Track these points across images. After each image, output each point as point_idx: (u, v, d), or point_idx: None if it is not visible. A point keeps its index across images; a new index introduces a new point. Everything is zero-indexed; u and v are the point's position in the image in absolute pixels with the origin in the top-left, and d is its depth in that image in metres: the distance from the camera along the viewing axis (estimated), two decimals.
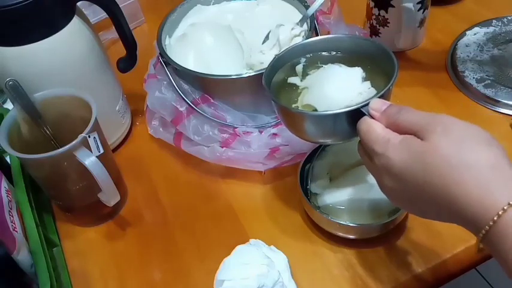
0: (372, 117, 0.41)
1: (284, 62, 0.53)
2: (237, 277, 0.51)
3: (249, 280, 0.50)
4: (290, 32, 0.62)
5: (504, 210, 0.32)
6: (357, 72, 0.49)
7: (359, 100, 0.45)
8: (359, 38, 0.55)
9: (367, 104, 0.41)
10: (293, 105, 0.50)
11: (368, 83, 0.48)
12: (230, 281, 0.51)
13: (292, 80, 0.53)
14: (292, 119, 0.49)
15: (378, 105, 0.41)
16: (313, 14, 0.67)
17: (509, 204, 0.32)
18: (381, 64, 0.48)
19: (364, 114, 0.41)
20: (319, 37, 0.57)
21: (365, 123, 0.41)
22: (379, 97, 0.42)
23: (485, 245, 0.35)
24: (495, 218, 0.33)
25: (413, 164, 0.37)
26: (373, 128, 0.40)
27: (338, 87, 0.48)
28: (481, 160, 0.34)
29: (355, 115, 0.41)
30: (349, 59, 0.51)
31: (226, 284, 0.51)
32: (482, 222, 0.33)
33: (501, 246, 0.33)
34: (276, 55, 0.53)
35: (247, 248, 0.55)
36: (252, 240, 0.56)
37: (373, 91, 0.47)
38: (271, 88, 0.51)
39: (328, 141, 0.49)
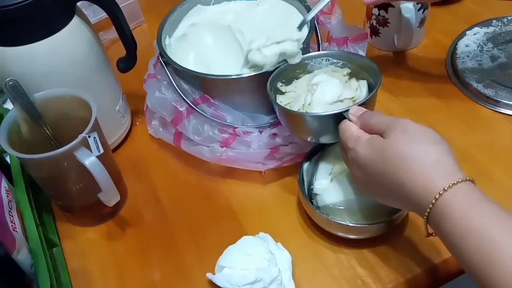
0: (350, 120, 0.50)
1: (283, 70, 0.61)
2: (237, 266, 0.52)
3: (248, 271, 0.51)
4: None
5: (440, 195, 0.39)
6: (337, 81, 0.57)
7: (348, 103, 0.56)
8: (351, 53, 0.64)
9: (347, 110, 0.50)
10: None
11: (355, 86, 0.58)
12: (230, 269, 0.52)
13: (279, 85, 0.61)
14: (292, 119, 0.57)
15: (355, 111, 0.50)
16: (313, 17, 0.67)
17: (444, 189, 0.39)
18: (369, 75, 0.58)
19: (344, 118, 0.50)
20: (319, 52, 0.64)
21: (344, 124, 0.50)
22: (360, 105, 0.51)
23: (431, 227, 0.42)
24: (433, 201, 0.40)
25: (374, 157, 0.45)
26: (349, 128, 0.49)
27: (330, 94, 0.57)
28: (427, 155, 0.42)
29: (339, 118, 0.51)
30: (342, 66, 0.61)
31: (225, 270, 0.53)
32: (425, 204, 0.40)
33: (442, 226, 0.40)
34: (281, 65, 0.60)
35: (254, 240, 0.55)
36: (261, 233, 0.56)
37: (363, 91, 0.57)
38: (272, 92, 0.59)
39: (319, 139, 0.56)
